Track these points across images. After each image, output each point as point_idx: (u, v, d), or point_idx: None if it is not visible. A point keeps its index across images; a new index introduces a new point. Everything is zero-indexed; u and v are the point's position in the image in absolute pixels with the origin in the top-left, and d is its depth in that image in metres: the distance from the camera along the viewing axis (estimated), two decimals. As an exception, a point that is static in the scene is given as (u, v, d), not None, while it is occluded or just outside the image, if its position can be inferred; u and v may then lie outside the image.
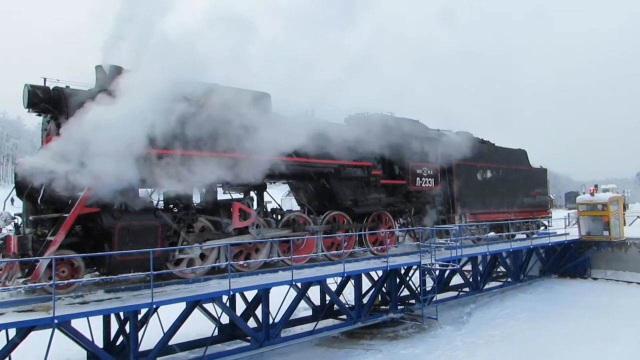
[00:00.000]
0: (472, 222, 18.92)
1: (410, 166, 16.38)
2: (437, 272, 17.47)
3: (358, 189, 14.97)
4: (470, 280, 19.14)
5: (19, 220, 9.93)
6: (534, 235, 23.37)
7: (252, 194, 13.42)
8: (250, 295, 13.92)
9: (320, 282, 13.30)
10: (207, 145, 11.54)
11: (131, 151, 9.94)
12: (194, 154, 11.23)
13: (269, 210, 13.68)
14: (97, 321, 11.91)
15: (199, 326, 13.20)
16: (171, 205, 11.27)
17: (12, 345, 8.92)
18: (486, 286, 20.38)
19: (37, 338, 9.36)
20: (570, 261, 23.75)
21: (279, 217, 13.67)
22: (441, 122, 19.62)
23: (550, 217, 25.48)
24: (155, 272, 9.63)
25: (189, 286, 11.05)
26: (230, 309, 12.07)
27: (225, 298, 11.40)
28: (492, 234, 21.39)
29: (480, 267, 19.90)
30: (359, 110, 17.14)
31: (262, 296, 12.49)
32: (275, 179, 13.57)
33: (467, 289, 19.18)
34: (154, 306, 9.43)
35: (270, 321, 12.96)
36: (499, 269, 21.94)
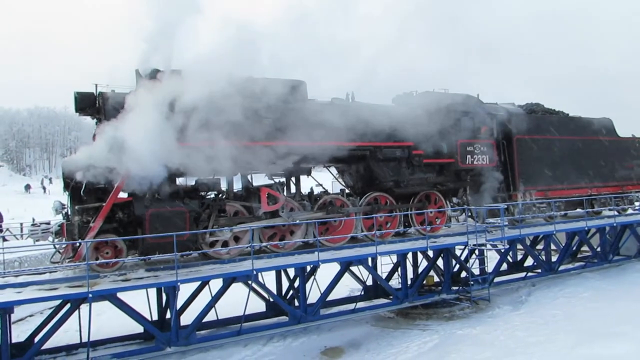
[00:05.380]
0: (540, 199, 17.77)
1: (458, 143, 15.87)
2: (503, 251, 16.83)
3: (400, 170, 14.91)
4: (544, 260, 18.07)
5: (68, 209, 11.56)
6: (628, 212, 21.33)
7: (292, 179, 14.04)
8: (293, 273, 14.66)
9: (361, 260, 13.56)
10: (243, 135, 12.12)
11: (162, 145, 11.04)
12: (227, 144, 12.00)
13: (305, 193, 14.17)
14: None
15: (258, 303, 14.38)
16: (202, 192, 12.23)
17: (68, 314, 10.49)
18: (565, 267, 19.12)
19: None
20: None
21: (318, 199, 14.12)
22: (496, 95, 18.66)
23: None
24: (180, 253, 10.70)
25: (223, 266, 11.98)
26: (267, 287, 12.77)
27: (259, 276, 12.11)
28: (578, 210, 19.92)
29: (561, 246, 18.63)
30: (410, 89, 16.94)
31: (299, 275, 13.15)
32: (313, 163, 13.99)
33: (538, 270, 18.16)
34: (178, 284, 10.47)
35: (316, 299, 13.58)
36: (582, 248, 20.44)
